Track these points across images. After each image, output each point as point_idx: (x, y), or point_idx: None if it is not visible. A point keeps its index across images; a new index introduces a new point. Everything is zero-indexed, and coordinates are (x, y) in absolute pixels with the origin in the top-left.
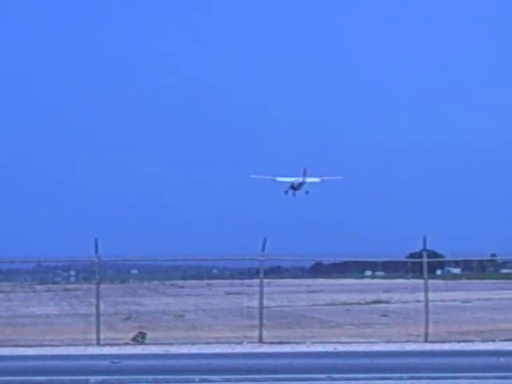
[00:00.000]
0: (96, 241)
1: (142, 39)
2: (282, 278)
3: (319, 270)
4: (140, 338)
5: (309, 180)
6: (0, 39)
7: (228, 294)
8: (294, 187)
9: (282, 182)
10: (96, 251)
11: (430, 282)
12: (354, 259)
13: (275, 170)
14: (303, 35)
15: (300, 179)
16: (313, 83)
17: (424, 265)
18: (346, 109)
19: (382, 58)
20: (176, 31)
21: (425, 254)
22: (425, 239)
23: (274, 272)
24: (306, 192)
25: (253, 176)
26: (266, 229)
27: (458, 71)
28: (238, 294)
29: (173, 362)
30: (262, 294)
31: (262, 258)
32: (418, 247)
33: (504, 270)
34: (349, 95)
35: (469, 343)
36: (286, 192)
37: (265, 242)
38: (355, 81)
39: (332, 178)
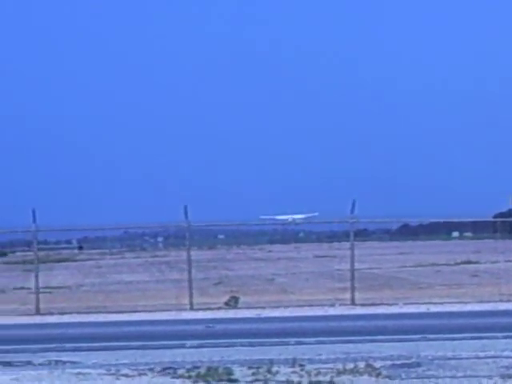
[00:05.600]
0: (185, 207)
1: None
2: (369, 240)
3: (406, 231)
4: (232, 303)
5: (296, 217)
6: None
7: (317, 257)
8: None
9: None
10: (186, 217)
11: None
12: (441, 220)
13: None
14: None
15: (290, 217)
16: None
17: None
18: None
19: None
20: None
21: None
22: None
23: (361, 234)
24: (296, 224)
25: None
26: (353, 189)
27: None
28: (326, 256)
29: (266, 326)
30: (352, 256)
31: (351, 221)
32: (507, 207)
33: None
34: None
35: None
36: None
37: (354, 204)
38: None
39: (310, 214)
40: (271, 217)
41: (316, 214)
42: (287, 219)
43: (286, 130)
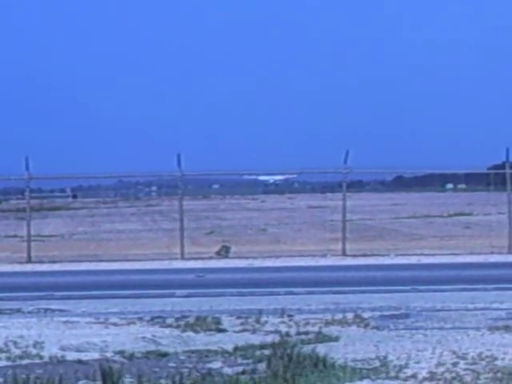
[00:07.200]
0: (179, 156)
1: None
2: (363, 191)
3: (400, 183)
4: (224, 252)
5: (276, 178)
6: None
7: (310, 207)
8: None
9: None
10: (179, 166)
11: None
12: (435, 172)
13: None
14: None
15: (271, 178)
16: None
17: (507, 177)
18: None
19: None
20: None
21: (507, 165)
22: (507, 151)
23: (355, 186)
24: (276, 184)
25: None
26: (348, 141)
27: None
28: (319, 207)
29: (257, 275)
30: (344, 207)
31: (344, 171)
32: (501, 159)
33: None
34: None
35: None
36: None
37: (347, 154)
38: None
39: (290, 176)
40: (254, 177)
41: (295, 176)
42: (268, 180)
43: (283, 83)
